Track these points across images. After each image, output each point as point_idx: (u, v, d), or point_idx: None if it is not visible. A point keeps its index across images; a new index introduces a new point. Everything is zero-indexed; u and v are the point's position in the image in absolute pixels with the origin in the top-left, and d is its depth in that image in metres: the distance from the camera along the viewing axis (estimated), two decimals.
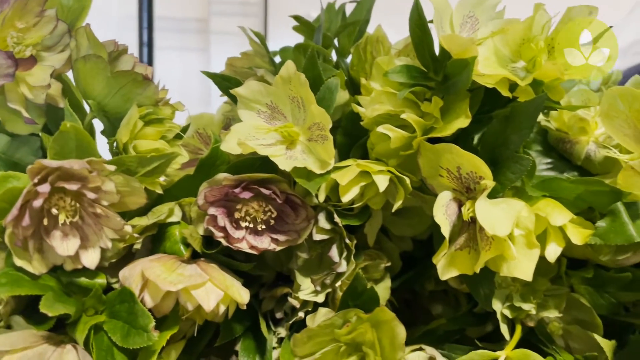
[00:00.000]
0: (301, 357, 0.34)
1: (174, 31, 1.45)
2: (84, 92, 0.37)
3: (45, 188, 0.28)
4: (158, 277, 0.30)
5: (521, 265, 0.32)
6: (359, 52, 0.43)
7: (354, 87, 0.44)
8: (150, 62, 1.37)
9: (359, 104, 0.38)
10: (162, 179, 0.37)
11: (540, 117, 0.45)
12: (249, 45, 0.47)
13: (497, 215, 0.32)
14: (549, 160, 0.44)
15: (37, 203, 0.28)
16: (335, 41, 0.46)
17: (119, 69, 0.36)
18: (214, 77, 0.39)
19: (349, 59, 0.46)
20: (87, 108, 0.39)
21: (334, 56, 0.47)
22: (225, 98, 0.46)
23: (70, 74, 0.38)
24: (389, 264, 0.42)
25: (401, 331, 0.31)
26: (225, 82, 0.39)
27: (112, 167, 0.30)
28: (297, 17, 0.44)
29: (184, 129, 0.41)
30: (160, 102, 0.38)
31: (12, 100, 0.33)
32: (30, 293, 0.29)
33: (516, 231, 0.32)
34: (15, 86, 0.33)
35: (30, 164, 0.34)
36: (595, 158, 0.42)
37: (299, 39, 0.48)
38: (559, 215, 0.34)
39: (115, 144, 0.36)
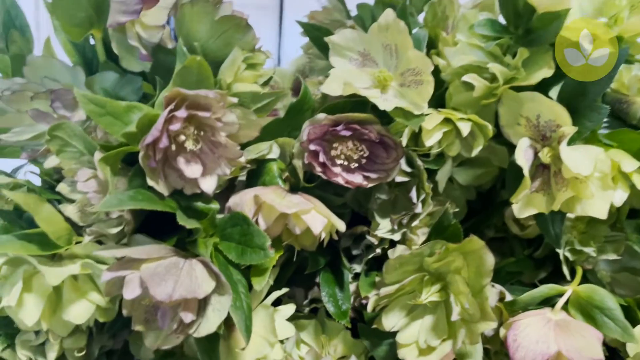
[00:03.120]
0: (389, 284, 0.37)
1: None
2: (187, 35, 0.39)
3: (182, 113, 0.30)
4: (273, 200, 0.33)
5: (597, 205, 0.35)
6: (435, 8, 0.45)
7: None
8: None
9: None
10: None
11: None
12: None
13: (580, 157, 0.34)
14: (608, 119, 0.47)
15: (175, 127, 0.30)
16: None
17: (220, 15, 0.39)
18: (305, 26, 0.42)
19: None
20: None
21: None
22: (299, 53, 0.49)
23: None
24: (457, 210, 0.45)
25: (489, 258, 0.34)
26: (316, 32, 0.41)
27: (235, 100, 0.32)
28: None
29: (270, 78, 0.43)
30: (257, 48, 0.40)
31: (131, 37, 0.36)
32: (162, 209, 0.32)
33: (597, 174, 0.35)
34: (132, 26, 0.36)
35: (132, 100, 0.37)
36: None
37: None
38: (628, 162, 0.37)
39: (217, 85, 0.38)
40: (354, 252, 0.44)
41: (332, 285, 0.42)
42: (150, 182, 0.32)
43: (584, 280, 0.44)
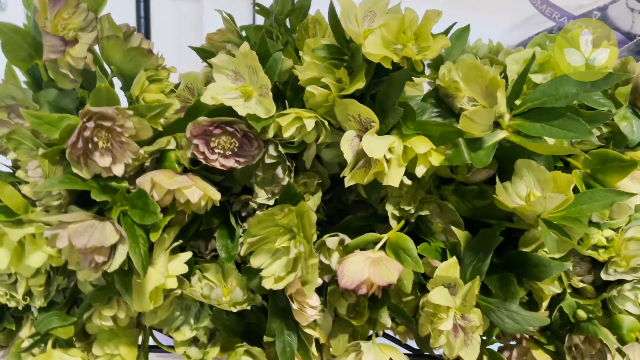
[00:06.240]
0: (254, 235, 0.52)
1: None
2: (107, 60, 0.54)
3: (91, 124, 0.45)
4: (162, 180, 0.48)
5: (392, 177, 0.50)
6: (301, 30, 0.59)
7: (299, 56, 0.61)
8: (147, 12, 1.50)
9: None
10: (162, 120, 0.55)
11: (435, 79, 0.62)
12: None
13: (376, 145, 0.49)
14: (439, 109, 0.61)
15: (87, 133, 0.45)
16: (287, 21, 0.63)
17: (131, 45, 0.53)
18: (197, 50, 0.56)
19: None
20: (108, 71, 0.56)
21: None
22: None
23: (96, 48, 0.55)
24: (320, 181, 0.60)
25: (313, 216, 0.50)
26: (205, 54, 0.56)
27: (130, 112, 0.47)
28: (258, 5, 0.61)
29: (177, 86, 0.58)
30: (160, 67, 0.55)
31: (62, 66, 0.50)
32: (82, 188, 0.47)
33: (391, 156, 0.50)
34: (64, 58, 0.50)
35: (70, 109, 0.52)
36: (467, 109, 0.60)
37: None
38: (422, 145, 0.51)
39: (130, 96, 0.53)
40: (243, 214, 0.59)
41: (225, 238, 0.58)
42: (74, 170, 0.47)
43: (419, 231, 0.60)
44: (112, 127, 0.47)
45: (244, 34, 0.63)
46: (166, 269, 0.50)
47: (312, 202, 0.59)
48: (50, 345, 0.54)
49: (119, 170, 0.49)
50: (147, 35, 1.51)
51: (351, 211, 0.65)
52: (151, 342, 0.64)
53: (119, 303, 0.53)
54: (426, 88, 0.64)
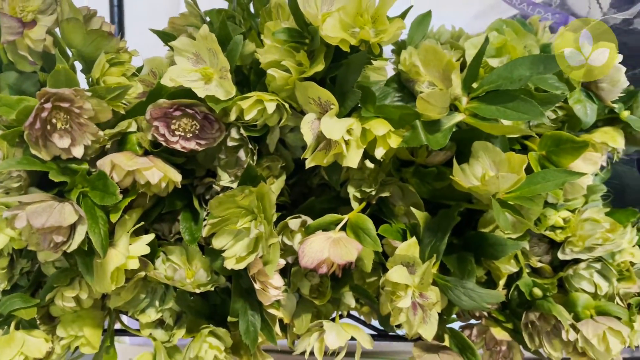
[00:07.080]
0: (216, 217, 0.53)
1: None
2: (68, 43, 0.54)
3: (48, 105, 0.46)
4: (121, 162, 0.49)
5: (351, 158, 0.51)
6: (264, 15, 0.60)
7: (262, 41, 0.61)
8: (120, 2, 1.49)
9: None
10: (125, 104, 0.55)
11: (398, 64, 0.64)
12: None
13: (334, 126, 0.50)
14: (401, 94, 0.62)
15: (44, 114, 0.46)
16: (251, 5, 0.63)
17: (91, 28, 0.53)
18: (159, 33, 0.57)
19: None
20: (69, 54, 0.56)
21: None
22: None
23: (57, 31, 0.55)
24: (284, 165, 0.60)
25: (273, 197, 0.51)
26: (167, 37, 0.56)
27: (89, 93, 0.48)
28: None
29: (139, 69, 0.58)
30: (121, 50, 0.55)
31: (21, 48, 0.50)
32: (41, 169, 0.47)
33: (349, 137, 0.51)
34: (22, 40, 0.50)
35: (31, 92, 0.52)
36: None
37: None
38: (380, 128, 0.52)
39: (90, 79, 0.54)
40: (207, 197, 0.60)
41: (189, 221, 0.58)
42: (33, 151, 0.47)
43: (382, 213, 0.61)
44: (70, 108, 0.47)
45: (208, 19, 0.63)
46: (127, 250, 0.50)
47: (276, 185, 0.59)
48: (13, 327, 0.54)
49: (78, 151, 0.49)
50: (121, 24, 1.50)
51: (316, 195, 0.66)
52: (119, 327, 0.64)
53: (81, 284, 0.53)
54: (391, 74, 0.65)
